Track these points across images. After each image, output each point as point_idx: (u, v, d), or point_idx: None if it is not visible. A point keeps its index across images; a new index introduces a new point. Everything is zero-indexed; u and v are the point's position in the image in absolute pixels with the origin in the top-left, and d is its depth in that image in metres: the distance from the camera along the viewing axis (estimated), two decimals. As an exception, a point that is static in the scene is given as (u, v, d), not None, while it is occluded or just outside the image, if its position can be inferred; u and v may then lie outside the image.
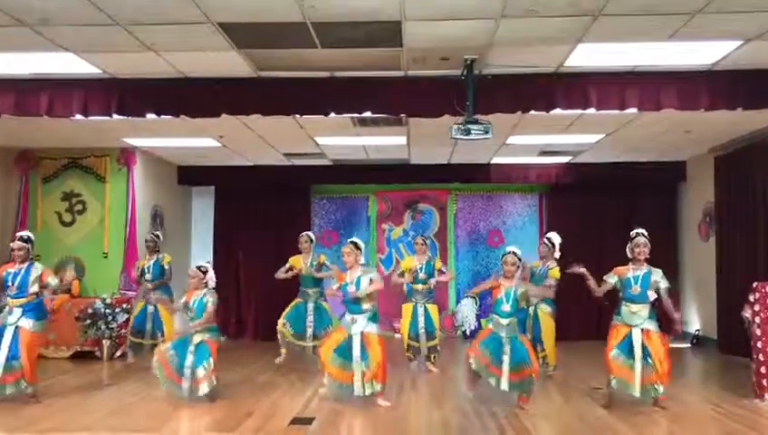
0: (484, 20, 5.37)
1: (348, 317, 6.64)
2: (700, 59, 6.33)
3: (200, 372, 6.53)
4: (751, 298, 6.75)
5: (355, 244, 6.83)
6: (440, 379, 8.05)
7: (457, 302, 12.04)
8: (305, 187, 12.52)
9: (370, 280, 6.58)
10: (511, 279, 6.41)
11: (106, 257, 10.09)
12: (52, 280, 6.83)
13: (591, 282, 6.47)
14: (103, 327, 9.09)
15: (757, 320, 6.65)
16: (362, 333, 6.50)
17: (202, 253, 12.53)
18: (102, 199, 10.25)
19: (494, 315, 6.43)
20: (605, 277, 6.46)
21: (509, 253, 6.47)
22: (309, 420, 5.86)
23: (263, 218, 12.25)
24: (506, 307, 6.35)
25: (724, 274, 9.94)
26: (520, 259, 6.50)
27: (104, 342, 9.24)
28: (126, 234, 10.11)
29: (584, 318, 11.62)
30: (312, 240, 8.89)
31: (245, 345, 11.10)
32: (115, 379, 8.01)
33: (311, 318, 8.70)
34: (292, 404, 6.50)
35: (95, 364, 8.99)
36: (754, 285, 6.78)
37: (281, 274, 8.85)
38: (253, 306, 12.20)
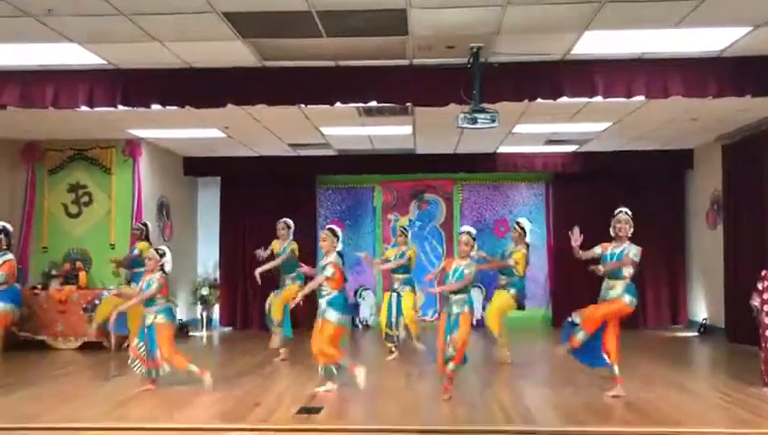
0: (491, 7, 5.33)
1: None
2: (708, 46, 6.27)
3: (157, 354, 6.65)
4: (759, 286, 6.71)
5: (332, 230, 6.84)
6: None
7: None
8: (311, 177, 12.51)
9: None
10: (465, 259, 6.47)
11: (113, 248, 10.10)
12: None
13: (576, 245, 6.45)
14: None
15: (765, 308, 6.62)
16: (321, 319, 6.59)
17: (208, 243, 12.58)
18: (108, 191, 10.26)
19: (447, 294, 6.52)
20: (594, 248, 6.51)
21: (463, 232, 6.57)
22: (317, 410, 5.88)
23: (268, 209, 12.18)
24: (451, 281, 6.41)
25: (732, 262, 9.90)
26: (474, 239, 6.56)
27: (112, 332, 9.27)
28: (132, 225, 10.11)
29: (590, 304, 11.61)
30: (288, 227, 8.71)
31: (252, 336, 11.13)
32: (123, 369, 8.01)
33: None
34: (300, 394, 6.51)
35: (102, 355, 9.04)
36: (763, 273, 6.74)
37: (258, 270, 8.51)
38: (259, 297, 12.19)
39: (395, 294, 8.78)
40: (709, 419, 5.65)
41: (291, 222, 8.80)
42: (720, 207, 10.53)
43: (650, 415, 5.73)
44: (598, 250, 6.49)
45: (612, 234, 6.47)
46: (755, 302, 6.75)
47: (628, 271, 6.33)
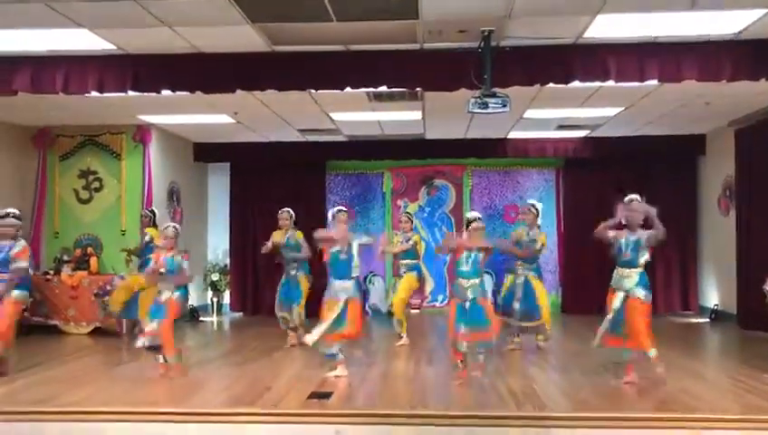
0: (502, -10, 5.27)
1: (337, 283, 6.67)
2: (722, 29, 6.18)
3: (153, 324, 6.57)
4: (772, 272, 6.68)
5: (343, 211, 6.92)
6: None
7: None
8: (320, 163, 12.49)
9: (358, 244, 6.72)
10: (476, 243, 6.48)
11: (124, 234, 10.15)
12: (21, 263, 6.81)
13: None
14: (122, 303, 9.18)
15: (778, 294, 6.58)
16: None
17: (218, 229, 12.61)
18: (119, 177, 10.29)
19: (458, 278, 6.49)
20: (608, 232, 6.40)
21: (475, 219, 6.60)
22: (327, 395, 5.89)
23: (278, 195, 12.18)
24: (466, 267, 6.42)
25: (745, 248, 9.83)
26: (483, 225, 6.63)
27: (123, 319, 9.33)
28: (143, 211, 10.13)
29: (604, 292, 11.57)
30: (291, 216, 8.69)
31: (262, 321, 11.17)
32: (134, 354, 8.08)
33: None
34: (311, 378, 6.53)
35: (114, 340, 9.10)
36: (776, 258, 6.71)
37: (265, 249, 8.73)
38: (269, 282, 12.24)
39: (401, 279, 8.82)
40: (722, 405, 5.62)
41: (292, 212, 8.74)
42: (732, 193, 10.44)
43: (663, 401, 5.72)
44: (612, 234, 6.39)
45: (623, 222, 6.37)
46: (768, 287, 6.71)
47: (644, 258, 6.27)
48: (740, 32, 6.22)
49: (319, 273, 8.31)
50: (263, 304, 12.19)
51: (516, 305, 8.05)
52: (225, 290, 12.32)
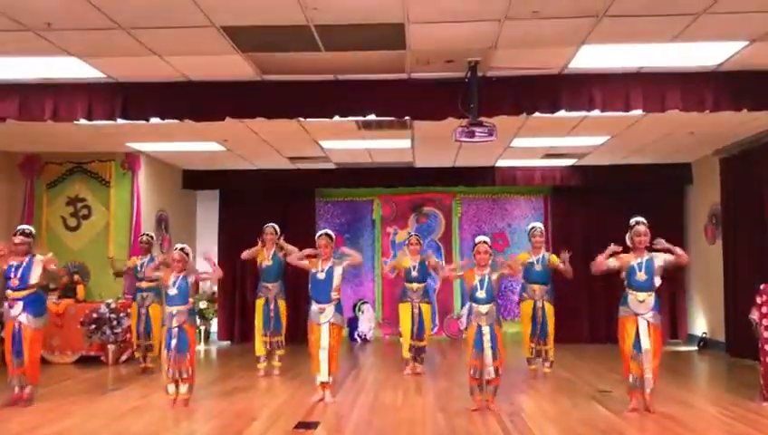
0: (488, 22, 5.36)
1: (316, 307, 6.77)
2: (705, 60, 6.30)
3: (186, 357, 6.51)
4: (758, 300, 6.71)
5: (329, 235, 6.99)
6: (444, 381, 8.02)
7: (462, 305, 12.02)
8: (310, 190, 12.52)
9: (342, 269, 6.85)
10: (484, 267, 6.42)
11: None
12: (55, 266, 7.04)
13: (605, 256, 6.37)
14: (108, 332, 9.10)
15: (764, 322, 6.61)
16: (329, 322, 6.73)
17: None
18: (107, 204, 10.26)
19: (473, 305, 6.42)
20: (608, 261, 6.37)
21: (481, 242, 6.48)
22: (314, 425, 5.84)
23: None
24: (482, 293, 6.35)
25: (731, 276, 9.88)
26: (491, 247, 6.55)
27: (109, 346, 9.24)
28: (131, 238, 10.09)
29: (594, 321, 11.64)
30: (276, 232, 8.63)
31: (249, 350, 11.05)
32: (120, 383, 8.01)
33: (272, 314, 8.53)
34: (297, 408, 6.47)
35: (100, 369, 8.99)
36: (761, 286, 6.74)
37: (247, 253, 8.70)
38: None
39: (416, 307, 8.51)
40: (708, 433, 5.61)
41: (277, 227, 8.69)
42: (719, 221, 10.53)
43: (650, 430, 5.70)
44: (613, 262, 6.38)
45: (630, 245, 6.36)
46: (754, 316, 6.75)
47: (658, 280, 6.28)
48: (721, 63, 6.34)
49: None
50: (250, 332, 12.08)
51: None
52: (212, 318, 12.23)
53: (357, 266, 7.31)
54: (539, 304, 8.28)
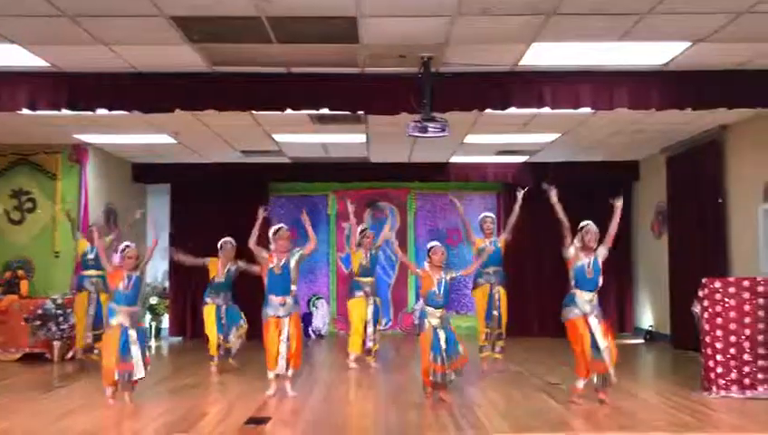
0: (441, 17, 5.38)
1: (275, 300, 6.68)
2: (651, 59, 6.46)
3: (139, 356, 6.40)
4: (700, 293, 6.91)
5: (286, 229, 6.95)
6: (396, 375, 8.06)
7: (416, 300, 12.09)
8: (263, 185, 12.37)
9: (295, 262, 6.77)
10: (440, 269, 6.47)
11: (57, 257, 9.84)
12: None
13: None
14: (54, 328, 8.87)
15: (706, 315, 6.81)
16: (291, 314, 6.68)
17: (157, 251, 12.21)
18: (53, 197, 9.99)
19: (429, 308, 6.46)
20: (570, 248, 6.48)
21: (437, 245, 6.56)
22: (264, 420, 5.79)
23: (220, 217, 12.01)
24: (440, 297, 6.42)
25: (677, 270, 10.16)
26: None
27: (54, 343, 9.00)
28: (89, 226, 9.80)
29: (543, 315, 11.80)
30: (234, 247, 8.51)
31: (201, 346, 10.91)
32: (65, 380, 7.81)
33: (224, 321, 8.48)
34: (249, 404, 6.40)
35: (45, 366, 8.76)
36: (703, 281, 6.94)
37: (183, 258, 8.67)
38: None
39: (371, 300, 8.57)
40: (653, 424, 5.76)
41: (234, 244, 8.53)
42: (665, 216, 10.81)
43: (597, 421, 5.82)
44: (571, 251, 6.44)
45: (579, 245, 6.46)
46: (696, 309, 6.94)
47: (601, 279, 6.41)
48: (667, 63, 6.50)
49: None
50: (202, 328, 11.92)
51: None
52: (163, 314, 12.03)
53: (310, 255, 7.24)
54: (494, 290, 8.42)
